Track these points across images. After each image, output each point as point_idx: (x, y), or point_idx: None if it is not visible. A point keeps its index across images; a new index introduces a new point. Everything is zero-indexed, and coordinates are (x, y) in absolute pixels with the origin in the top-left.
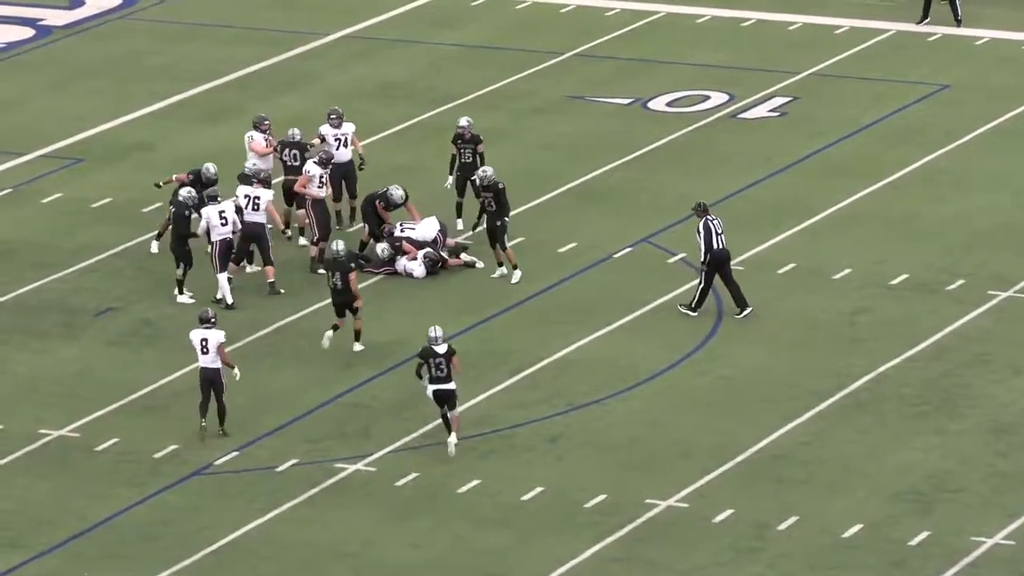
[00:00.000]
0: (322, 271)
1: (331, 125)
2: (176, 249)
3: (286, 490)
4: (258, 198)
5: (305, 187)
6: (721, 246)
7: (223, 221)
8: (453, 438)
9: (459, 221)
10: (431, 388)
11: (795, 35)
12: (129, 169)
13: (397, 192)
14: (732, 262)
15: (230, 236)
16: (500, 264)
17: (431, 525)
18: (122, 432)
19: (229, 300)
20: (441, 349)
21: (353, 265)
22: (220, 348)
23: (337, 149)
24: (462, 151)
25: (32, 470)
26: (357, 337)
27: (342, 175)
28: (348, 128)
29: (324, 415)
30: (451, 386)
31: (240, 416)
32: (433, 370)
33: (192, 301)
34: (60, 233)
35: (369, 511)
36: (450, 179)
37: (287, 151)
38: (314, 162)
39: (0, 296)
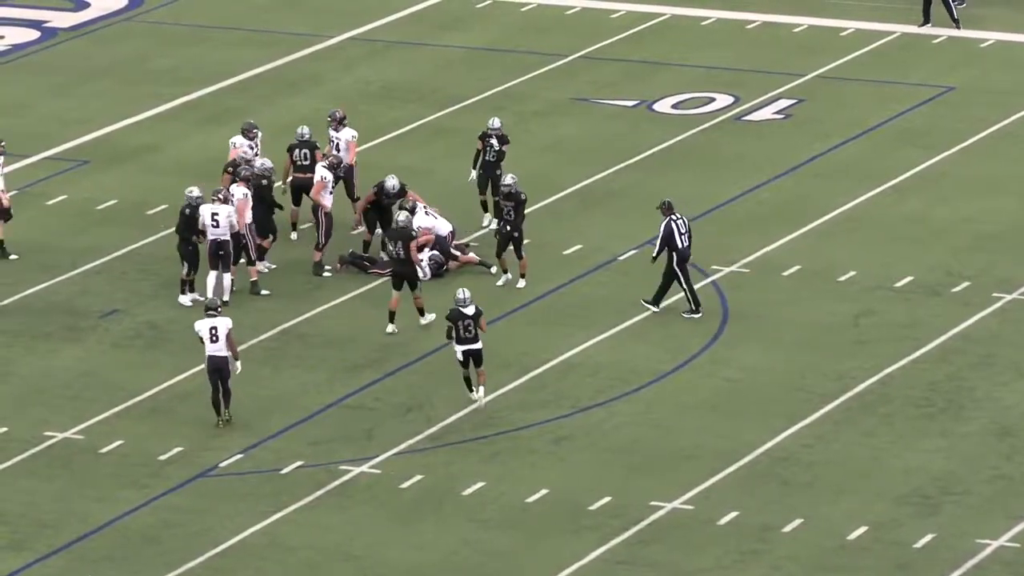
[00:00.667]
0: (327, 273)
1: (332, 130)
2: (180, 249)
3: (290, 492)
4: (233, 196)
5: (320, 193)
6: (684, 245)
7: (215, 223)
8: (481, 392)
9: (486, 216)
10: (460, 349)
11: (800, 37)
12: (134, 171)
13: (390, 182)
14: (737, 264)
15: (222, 237)
16: (505, 271)
17: (436, 527)
18: (126, 434)
19: (208, 295)
20: (469, 311)
21: (414, 233)
22: (229, 335)
23: (336, 151)
24: (487, 149)
25: (37, 472)
26: (421, 313)
27: (349, 177)
28: (346, 134)
29: (328, 417)
30: (478, 345)
31: (244, 418)
32: (462, 331)
33: (191, 304)
34: (65, 235)
35: (373, 513)
36: (473, 173)
37: (297, 151)
38: (323, 166)
39: (5, 298)
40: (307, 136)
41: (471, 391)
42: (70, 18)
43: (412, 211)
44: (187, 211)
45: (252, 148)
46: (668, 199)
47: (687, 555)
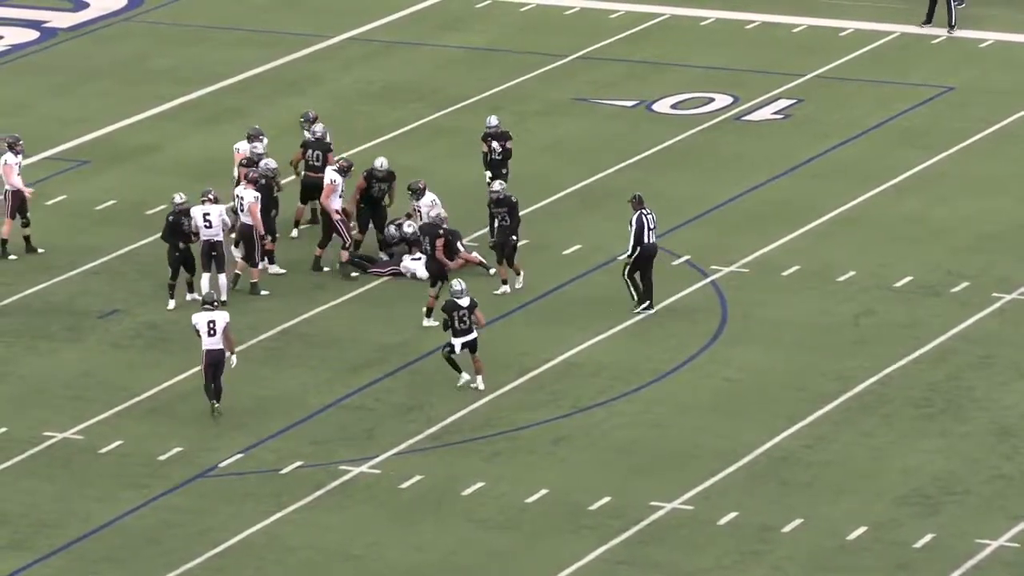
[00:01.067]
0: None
1: (303, 128)
2: (169, 255)
3: (290, 492)
4: (242, 198)
5: (329, 198)
6: (651, 241)
7: (207, 223)
8: (480, 382)
9: None
10: (458, 341)
11: (799, 37)
12: (134, 171)
13: (378, 161)
14: (737, 264)
15: (215, 238)
16: (505, 282)
17: (435, 527)
18: (126, 434)
19: (200, 294)
20: (464, 302)
21: (441, 232)
22: (226, 329)
23: None
24: (492, 148)
25: (37, 472)
26: (428, 313)
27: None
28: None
29: (328, 417)
30: (473, 336)
31: (244, 418)
32: (457, 322)
33: (172, 308)
34: (65, 235)
35: (373, 513)
36: (488, 175)
37: (311, 151)
38: (334, 170)
39: (5, 298)
40: (320, 135)
41: (459, 372)
42: (70, 18)
43: (422, 192)
44: (170, 218)
45: (259, 155)
46: (639, 193)
47: (687, 555)
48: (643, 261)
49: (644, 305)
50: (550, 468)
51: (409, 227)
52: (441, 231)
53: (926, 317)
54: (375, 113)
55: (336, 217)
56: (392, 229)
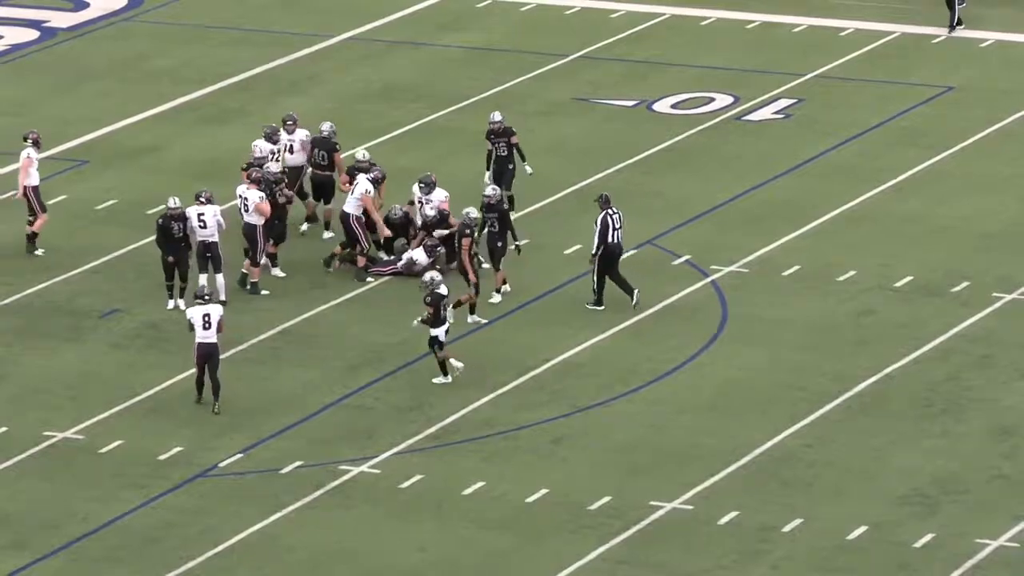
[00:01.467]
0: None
1: (286, 131)
2: (161, 258)
3: (290, 492)
4: (246, 198)
5: (370, 208)
6: (616, 241)
7: (201, 224)
8: (456, 362)
9: (512, 214)
10: (441, 330)
11: (800, 37)
12: (134, 171)
13: (359, 152)
14: (737, 264)
15: (210, 239)
16: (498, 290)
17: (435, 527)
18: (126, 434)
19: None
20: (444, 291)
21: (468, 232)
22: (221, 321)
23: (290, 153)
24: (496, 146)
25: (37, 472)
26: (472, 310)
27: (297, 177)
28: (300, 134)
29: (328, 417)
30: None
31: (244, 418)
32: (442, 311)
33: (171, 307)
34: (65, 235)
35: (373, 513)
36: (487, 175)
37: (316, 150)
38: (368, 179)
39: (5, 298)
40: (326, 133)
41: (446, 375)
42: (70, 18)
43: (433, 186)
44: (160, 221)
45: (273, 153)
46: (606, 193)
47: (687, 555)
48: (608, 260)
49: (595, 302)
50: (550, 468)
51: (432, 210)
52: (468, 231)
53: (927, 317)
54: (375, 113)
55: (380, 227)
56: (396, 210)
